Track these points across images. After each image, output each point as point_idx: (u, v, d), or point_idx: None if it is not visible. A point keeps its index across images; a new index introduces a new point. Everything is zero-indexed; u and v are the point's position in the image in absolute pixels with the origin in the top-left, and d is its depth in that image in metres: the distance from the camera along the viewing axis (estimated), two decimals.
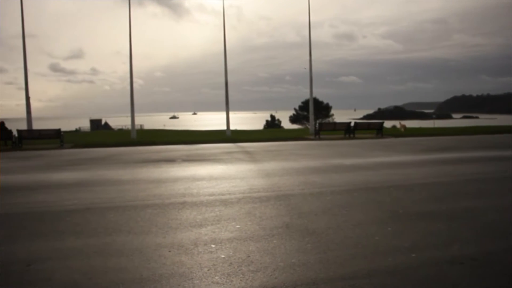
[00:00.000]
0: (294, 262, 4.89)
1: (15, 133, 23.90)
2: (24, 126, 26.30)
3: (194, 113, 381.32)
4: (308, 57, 31.73)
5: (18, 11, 28.01)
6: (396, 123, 43.49)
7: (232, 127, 31.83)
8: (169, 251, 5.38)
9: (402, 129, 33.14)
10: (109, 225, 6.71)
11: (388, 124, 40.43)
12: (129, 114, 29.56)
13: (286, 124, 70.45)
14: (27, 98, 27.92)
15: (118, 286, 4.35)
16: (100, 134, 40.03)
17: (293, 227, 6.39)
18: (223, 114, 31.34)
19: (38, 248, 5.64)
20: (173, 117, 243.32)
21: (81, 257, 5.22)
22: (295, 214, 7.22)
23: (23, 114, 28.11)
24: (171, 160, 15.64)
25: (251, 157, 16.36)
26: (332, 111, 71.95)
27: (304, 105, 64.83)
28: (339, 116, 70.63)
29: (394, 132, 31.50)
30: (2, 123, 25.12)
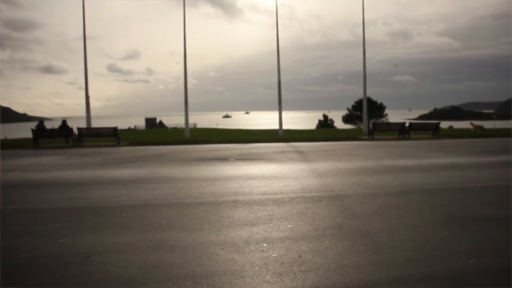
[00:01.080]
0: (346, 264, 4.83)
1: (75, 130, 24.90)
2: (83, 124, 27.32)
3: (247, 112, 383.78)
4: (361, 56, 31.30)
5: (78, 16, 29.09)
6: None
7: (284, 127, 31.78)
8: (222, 249, 5.43)
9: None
10: (163, 221, 6.85)
11: (444, 124, 39.14)
12: (183, 113, 30.07)
13: (339, 124, 69.69)
14: (87, 98, 28.98)
15: (172, 281, 4.43)
16: (154, 133, 41.00)
17: (346, 228, 6.31)
18: (276, 114, 31.35)
19: (96, 242, 5.84)
20: (226, 116, 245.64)
21: (136, 252, 5.36)
22: (348, 215, 7.13)
23: (83, 112, 29.21)
24: (224, 159, 15.81)
25: (303, 156, 16.29)
26: (386, 111, 70.52)
27: (358, 105, 63.90)
28: (393, 116, 69.23)
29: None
30: (64, 121, 26.25)
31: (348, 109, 70.87)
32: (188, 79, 29.90)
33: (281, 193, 8.97)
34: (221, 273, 4.63)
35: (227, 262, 4.94)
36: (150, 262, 4.98)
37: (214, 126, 66.21)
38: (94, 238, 6.04)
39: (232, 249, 5.41)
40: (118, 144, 23.89)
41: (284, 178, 10.93)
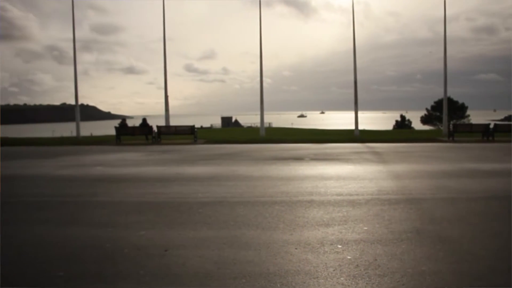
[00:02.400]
0: (424, 270, 4.67)
1: (155, 128, 25.89)
2: (162, 122, 28.36)
3: (322, 112, 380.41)
4: (441, 54, 30.03)
5: (158, 18, 30.15)
6: None
7: (360, 127, 31.24)
8: (296, 248, 5.44)
9: None
10: (239, 218, 6.97)
11: None
12: (258, 112, 30.36)
13: (417, 125, 67.35)
14: (166, 97, 30.05)
15: (246, 278, 4.50)
16: (230, 131, 41.71)
17: (424, 233, 6.11)
18: (351, 114, 30.90)
19: (175, 236, 6.05)
20: (301, 116, 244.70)
21: (212, 247, 5.49)
22: (426, 219, 6.89)
23: (162, 111, 30.31)
24: (299, 159, 15.80)
25: (380, 158, 15.94)
26: (468, 112, 67.17)
27: (437, 105, 61.34)
28: (476, 117, 65.84)
29: None
30: (144, 119, 27.34)
31: (426, 109, 68.29)
32: (263, 78, 30.16)
33: (357, 195, 8.83)
34: (294, 272, 4.64)
35: (301, 262, 4.94)
36: (225, 258, 5.08)
37: (289, 126, 66.28)
38: (172, 232, 6.26)
39: (306, 249, 5.40)
40: (195, 142, 24.56)
41: (360, 179, 10.75)
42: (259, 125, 31.71)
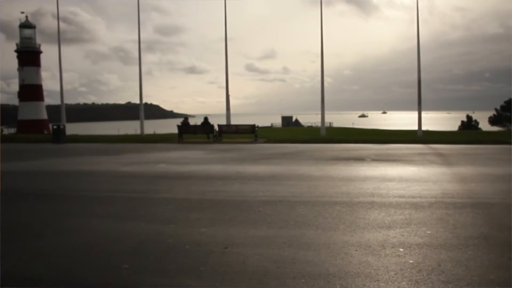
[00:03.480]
0: (492, 279, 4.47)
1: (216, 127, 26.30)
2: (223, 121, 28.74)
3: (384, 112, 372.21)
4: None
5: (219, 19, 30.69)
6: None
7: (423, 127, 30.31)
8: (356, 250, 5.37)
9: None
10: (299, 218, 6.96)
11: None
12: (319, 112, 30.15)
13: (485, 126, 64.59)
14: (227, 96, 30.45)
15: (305, 278, 4.49)
16: (291, 131, 41.66)
17: (492, 240, 5.85)
18: (414, 114, 30.03)
19: (235, 233, 6.13)
20: (362, 116, 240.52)
21: (272, 246, 5.51)
22: (495, 225, 6.60)
23: (223, 110, 30.80)
24: (360, 159, 15.56)
25: (444, 159, 15.42)
26: None
27: (507, 105, 58.60)
28: None
29: None
30: (206, 118, 27.82)
31: (496, 109, 65.34)
32: (324, 77, 29.90)
33: (420, 197, 8.59)
34: (354, 274, 4.58)
35: (361, 264, 4.87)
36: (284, 258, 5.09)
37: (350, 126, 65.39)
38: (232, 230, 6.34)
39: (366, 251, 5.32)
40: (255, 141, 24.73)
41: (423, 181, 10.45)
42: (319, 124, 31.50)
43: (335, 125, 69.29)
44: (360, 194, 8.92)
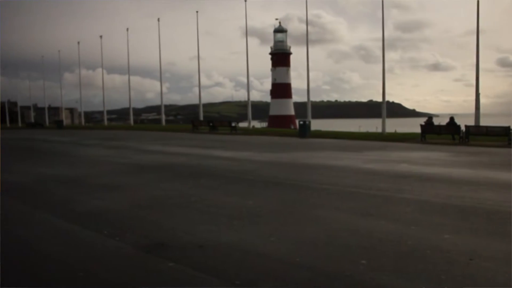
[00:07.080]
0: None
1: (462, 128, 24.51)
2: (470, 122, 26.61)
3: None
4: None
5: (466, 10, 28.46)
6: None
7: None
8: None
9: None
10: None
11: None
12: None
13: None
14: (477, 95, 28.14)
15: None
16: None
17: None
18: None
19: (482, 245, 5.62)
20: None
21: None
22: None
23: (470, 110, 28.66)
24: None
25: None
26: None
27: None
28: None
29: None
30: (452, 118, 26.20)
31: None
32: None
33: None
34: None
35: None
36: None
37: None
38: (479, 240, 5.86)
39: None
40: (509, 145, 22.27)
41: None
42: None
43: None
44: None
